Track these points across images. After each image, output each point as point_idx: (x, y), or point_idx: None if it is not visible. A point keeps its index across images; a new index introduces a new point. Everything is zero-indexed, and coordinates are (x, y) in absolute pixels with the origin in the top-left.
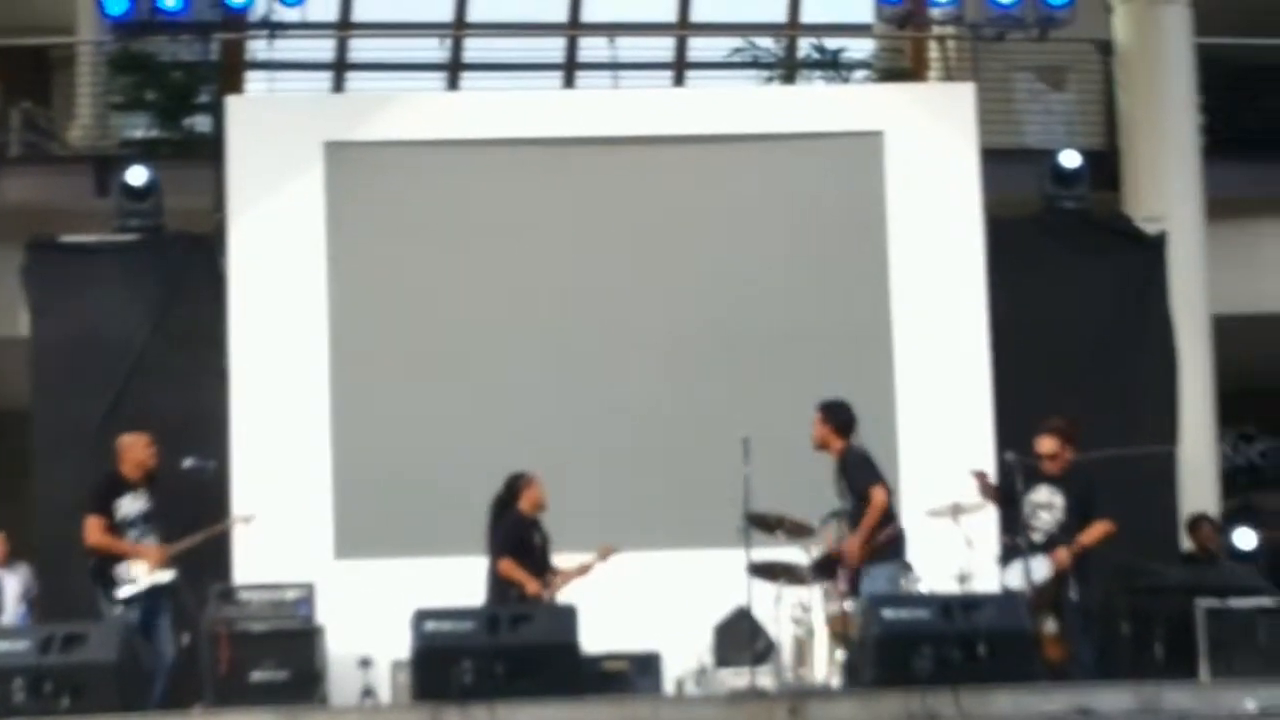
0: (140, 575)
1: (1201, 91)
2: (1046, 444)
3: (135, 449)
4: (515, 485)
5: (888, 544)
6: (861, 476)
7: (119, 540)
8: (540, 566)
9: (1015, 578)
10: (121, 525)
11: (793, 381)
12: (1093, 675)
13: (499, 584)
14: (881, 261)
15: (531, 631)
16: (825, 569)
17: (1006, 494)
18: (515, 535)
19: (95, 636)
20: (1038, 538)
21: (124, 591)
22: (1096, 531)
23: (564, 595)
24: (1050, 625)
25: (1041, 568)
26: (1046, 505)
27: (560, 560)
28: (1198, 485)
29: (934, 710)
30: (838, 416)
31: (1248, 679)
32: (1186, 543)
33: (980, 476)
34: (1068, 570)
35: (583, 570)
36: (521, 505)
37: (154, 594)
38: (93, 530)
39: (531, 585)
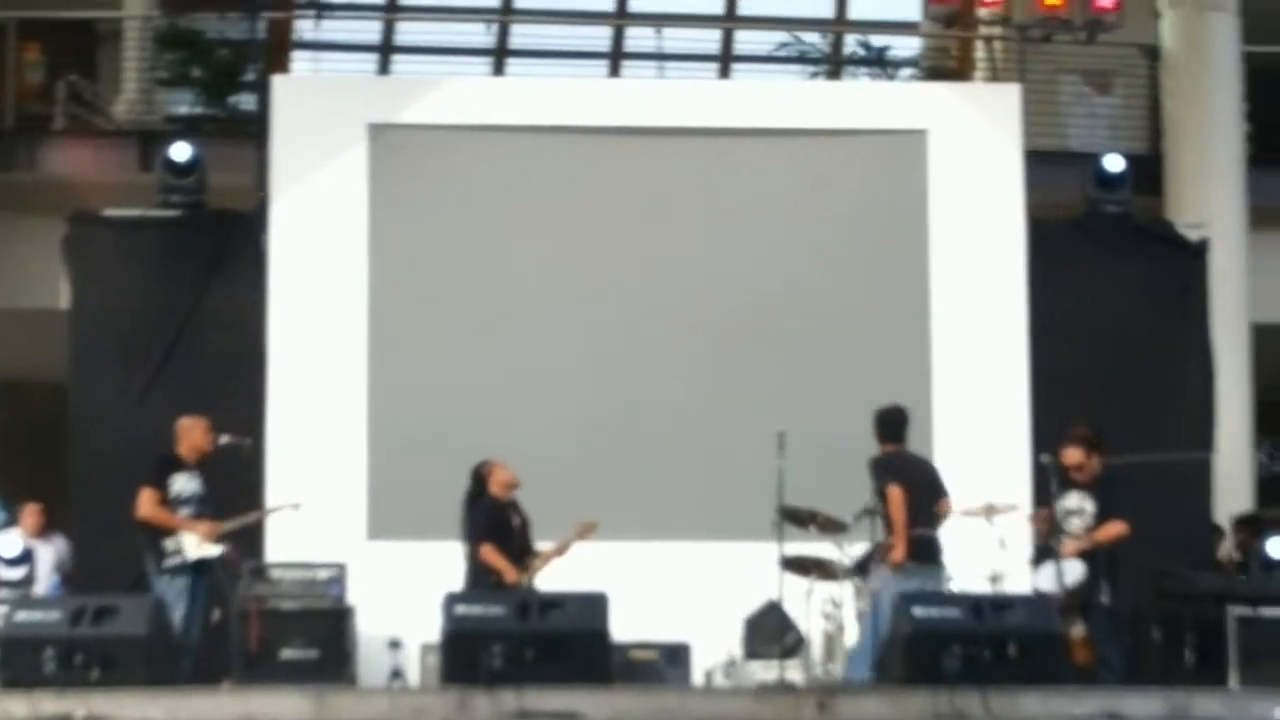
0: (189, 547)
1: (1247, 100)
2: (1072, 455)
3: (194, 432)
4: (481, 473)
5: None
6: (878, 479)
7: (169, 514)
8: (521, 548)
9: (1047, 580)
10: (174, 503)
11: (830, 378)
12: (1121, 679)
13: (477, 570)
14: (922, 260)
15: (561, 618)
16: (864, 569)
17: (1040, 496)
18: (492, 520)
19: (126, 610)
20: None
21: (170, 561)
22: (1109, 531)
23: (592, 581)
24: (1079, 628)
25: (1073, 571)
26: (1078, 511)
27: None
28: (1233, 492)
29: (962, 710)
30: (877, 422)
31: (1278, 688)
32: (1228, 542)
33: (1042, 518)
34: (1095, 570)
35: (561, 549)
36: (493, 489)
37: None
38: (145, 503)
39: (509, 574)
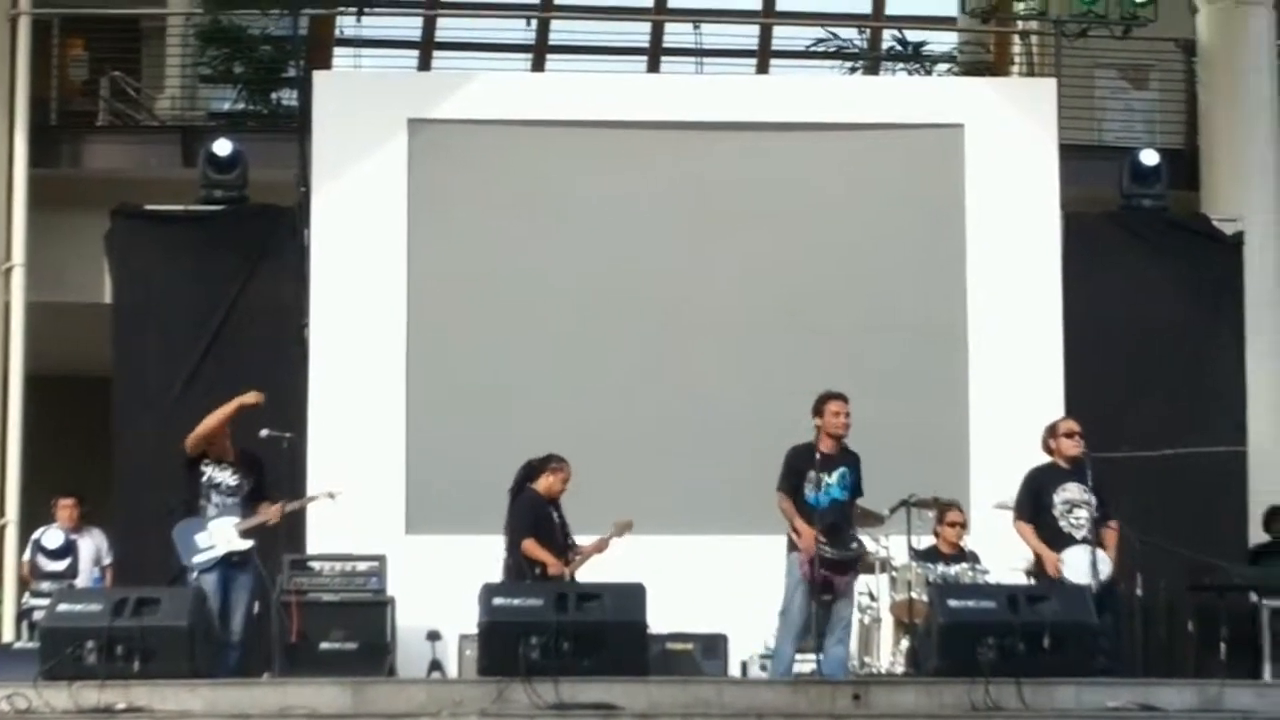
0: (219, 542)
1: None
2: (1073, 423)
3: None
4: (543, 464)
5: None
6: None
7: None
8: (561, 546)
9: (1077, 571)
10: (205, 488)
11: (866, 371)
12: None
13: (518, 564)
14: (959, 254)
15: (599, 610)
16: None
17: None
18: (533, 514)
19: (167, 601)
20: (1081, 535)
21: (199, 559)
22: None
23: (629, 574)
24: None
25: (1107, 564)
26: (1081, 502)
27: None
28: (1268, 484)
29: (997, 701)
30: None
31: None
32: (1262, 535)
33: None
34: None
35: (600, 547)
36: (538, 485)
37: (230, 562)
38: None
39: (554, 565)
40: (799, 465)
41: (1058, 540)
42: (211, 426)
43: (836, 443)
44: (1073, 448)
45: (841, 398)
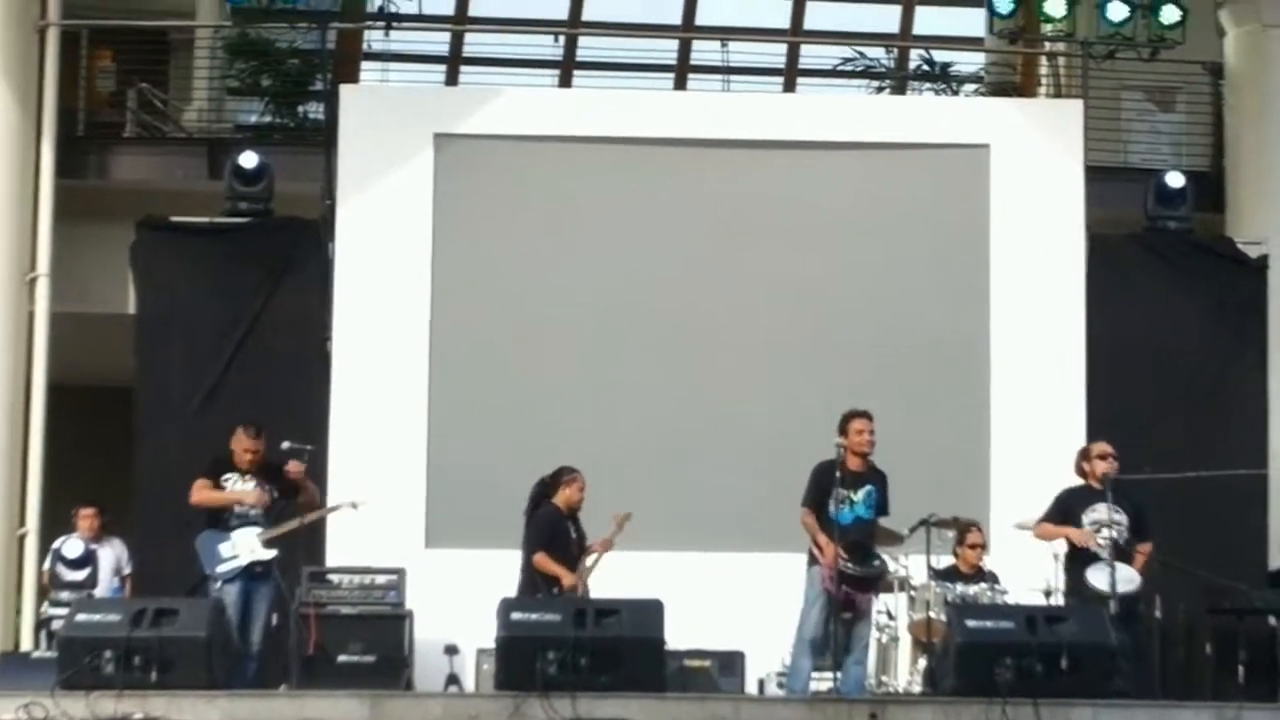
0: (242, 552)
1: None
2: (1107, 446)
3: (237, 440)
4: (557, 478)
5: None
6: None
7: (218, 493)
8: (576, 560)
9: (1103, 580)
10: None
11: (889, 390)
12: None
13: (532, 577)
14: (983, 274)
15: (617, 625)
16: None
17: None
18: (549, 529)
19: (186, 612)
20: (1106, 555)
21: (222, 568)
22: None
23: (647, 591)
24: None
25: (1132, 580)
26: (1109, 522)
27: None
28: None
29: None
30: None
31: None
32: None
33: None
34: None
35: (606, 545)
36: (557, 500)
37: (253, 573)
38: (196, 490)
39: (567, 579)
40: (825, 482)
41: (1084, 557)
42: (204, 502)
43: (863, 460)
44: (1105, 468)
45: (866, 415)
